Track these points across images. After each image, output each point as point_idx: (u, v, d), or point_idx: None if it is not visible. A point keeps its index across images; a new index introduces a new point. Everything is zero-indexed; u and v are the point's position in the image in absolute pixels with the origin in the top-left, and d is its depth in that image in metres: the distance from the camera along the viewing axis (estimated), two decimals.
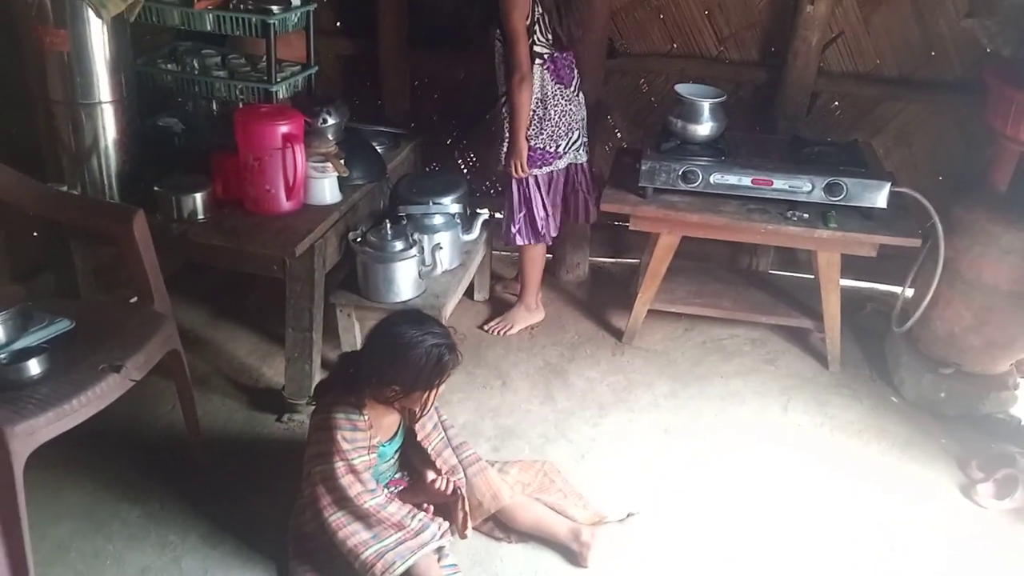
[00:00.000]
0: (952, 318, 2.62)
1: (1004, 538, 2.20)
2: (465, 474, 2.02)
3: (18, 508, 1.69)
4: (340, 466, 1.83)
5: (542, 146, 2.71)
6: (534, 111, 2.66)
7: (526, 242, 2.86)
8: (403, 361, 1.79)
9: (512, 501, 2.05)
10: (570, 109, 2.73)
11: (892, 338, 2.87)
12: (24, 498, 1.69)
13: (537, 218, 2.82)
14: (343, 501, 1.84)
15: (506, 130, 2.68)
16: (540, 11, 2.56)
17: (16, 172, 2.10)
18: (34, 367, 1.74)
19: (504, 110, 2.68)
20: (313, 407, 2.01)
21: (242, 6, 2.50)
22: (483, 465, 2.06)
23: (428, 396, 1.86)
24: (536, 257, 2.93)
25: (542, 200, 2.81)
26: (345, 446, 1.83)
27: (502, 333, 2.96)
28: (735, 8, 3.08)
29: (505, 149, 2.71)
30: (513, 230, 2.83)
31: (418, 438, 2.01)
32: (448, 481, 1.97)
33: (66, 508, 2.11)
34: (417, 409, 1.91)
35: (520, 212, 2.81)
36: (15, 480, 1.65)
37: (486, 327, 2.99)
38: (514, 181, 2.78)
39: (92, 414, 1.78)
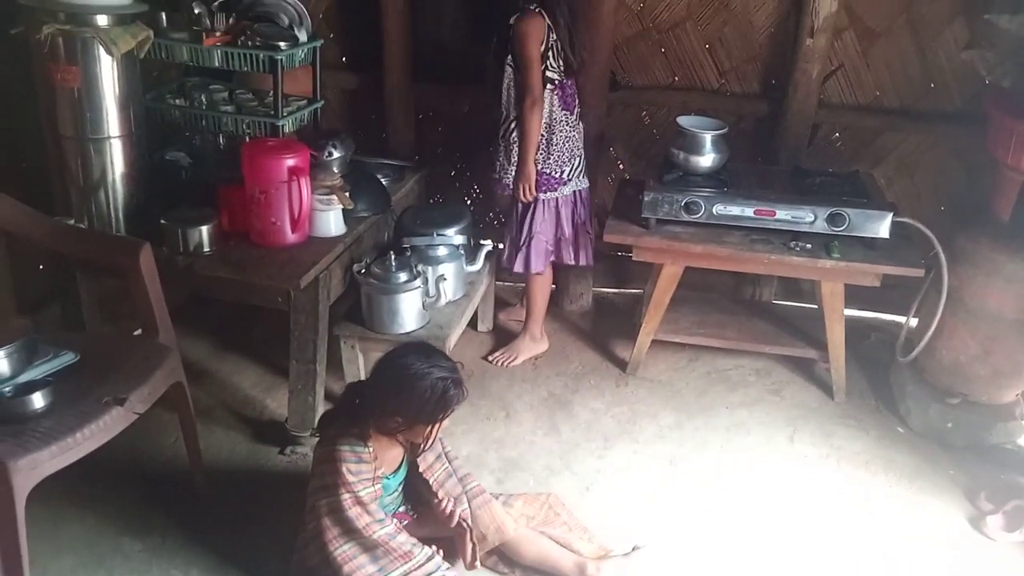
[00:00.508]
0: (957, 347, 2.61)
1: (1014, 571, 2.16)
2: (469, 506, 2.01)
3: (19, 542, 1.68)
4: (347, 498, 1.82)
5: (548, 171, 2.74)
6: (541, 136, 2.70)
7: (526, 270, 2.86)
8: (408, 393, 1.78)
9: (516, 534, 2.03)
10: (573, 135, 2.77)
11: (897, 368, 2.86)
12: (25, 532, 1.68)
13: (543, 245, 2.84)
14: (351, 533, 1.83)
15: (514, 154, 2.72)
16: (554, 37, 2.61)
17: (24, 205, 2.12)
18: (38, 400, 1.74)
19: (513, 136, 2.72)
20: (317, 439, 2.00)
21: (250, 43, 2.54)
22: (487, 497, 2.05)
23: (431, 429, 1.85)
24: (542, 286, 2.94)
25: (549, 226, 2.83)
26: (350, 478, 1.82)
27: (506, 364, 2.96)
28: (735, 42, 3.12)
29: (511, 173, 2.75)
30: (520, 257, 2.84)
31: (420, 469, 1.99)
32: (451, 504, 1.95)
33: (67, 542, 2.10)
34: (420, 442, 1.90)
35: (524, 239, 2.83)
36: (17, 514, 1.65)
37: (490, 358, 2.99)
38: (519, 207, 2.80)
39: (95, 447, 1.78)
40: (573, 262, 2.93)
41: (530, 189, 2.73)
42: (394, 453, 1.95)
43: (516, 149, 2.71)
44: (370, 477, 1.86)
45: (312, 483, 1.90)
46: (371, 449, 1.86)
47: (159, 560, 2.07)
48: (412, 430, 1.86)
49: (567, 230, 2.86)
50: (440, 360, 1.85)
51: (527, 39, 2.55)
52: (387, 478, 1.94)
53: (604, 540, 2.15)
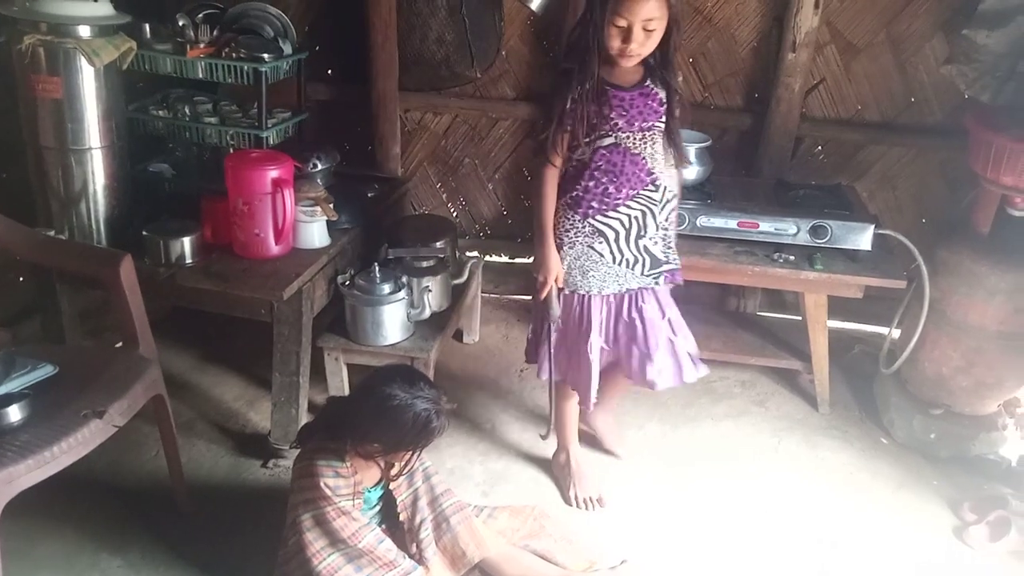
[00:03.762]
0: (940, 359, 2.63)
1: None
2: (448, 523, 1.98)
3: None
4: (329, 511, 1.80)
5: None
6: None
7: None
8: (389, 423, 1.76)
9: (498, 552, 2.01)
10: None
11: (881, 379, 2.87)
12: (1, 547, 1.66)
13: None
14: (337, 544, 1.81)
15: (671, 232, 2.22)
16: None
17: (4, 216, 2.10)
18: (14, 413, 1.72)
19: (673, 216, 2.21)
20: (297, 451, 1.98)
21: (234, 55, 2.54)
22: (467, 514, 2.02)
23: (411, 456, 1.84)
24: None
25: None
26: (328, 492, 1.80)
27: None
28: (719, 56, 3.15)
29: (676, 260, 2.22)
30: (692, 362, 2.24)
31: (390, 486, 1.97)
32: (413, 544, 1.95)
33: (44, 558, 2.06)
34: (397, 465, 1.89)
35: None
36: None
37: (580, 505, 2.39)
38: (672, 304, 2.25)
39: (73, 461, 1.75)
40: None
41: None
42: (373, 469, 1.93)
43: (671, 230, 2.22)
44: (349, 492, 1.84)
45: (292, 498, 1.88)
46: (349, 464, 1.85)
47: None
48: (391, 455, 1.84)
49: None
50: (423, 389, 1.80)
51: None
52: (368, 491, 1.92)
53: (591, 553, 2.14)
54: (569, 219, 2.10)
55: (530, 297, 3.27)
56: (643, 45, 1.93)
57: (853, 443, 2.70)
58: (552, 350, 2.21)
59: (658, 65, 2.03)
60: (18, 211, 2.18)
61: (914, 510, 2.41)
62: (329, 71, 3.36)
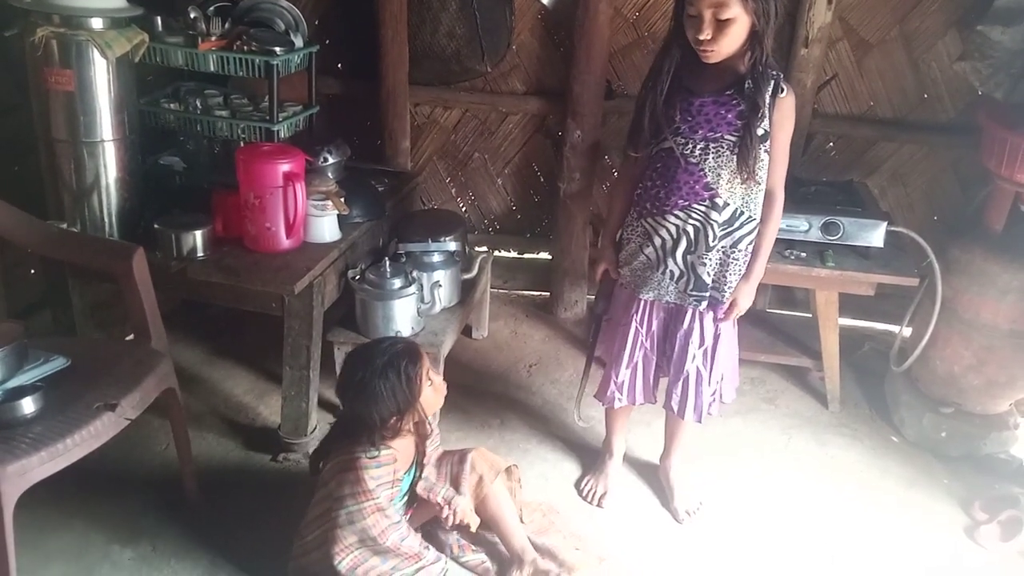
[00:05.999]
0: (951, 357, 2.62)
1: None
2: (462, 464, 2.02)
3: (7, 551, 1.66)
4: (368, 506, 1.82)
5: None
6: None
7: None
8: (383, 396, 1.80)
9: (490, 489, 2.02)
10: None
11: (891, 377, 2.86)
12: (13, 540, 1.66)
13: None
14: (365, 541, 1.84)
15: (739, 266, 2.02)
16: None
17: (16, 209, 2.10)
18: (27, 406, 1.72)
19: (748, 243, 2.00)
20: (312, 449, 1.99)
21: (245, 48, 2.54)
22: (473, 447, 2.08)
23: (425, 399, 1.87)
24: None
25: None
26: (371, 484, 1.82)
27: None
28: None
29: (730, 290, 2.05)
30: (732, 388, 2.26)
31: (427, 451, 2.00)
32: (451, 508, 1.97)
33: (55, 550, 2.07)
34: (426, 419, 1.92)
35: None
36: (5, 522, 1.62)
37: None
38: (729, 332, 2.18)
39: (86, 453, 1.76)
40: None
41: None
42: (407, 449, 1.96)
43: (740, 260, 2.01)
44: (390, 480, 1.86)
45: (328, 490, 1.88)
46: (390, 451, 1.87)
47: (149, 569, 2.04)
48: (413, 413, 1.87)
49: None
50: (374, 347, 1.87)
51: (792, 125, 1.97)
52: (404, 475, 1.95)
53: (600, 550, 2.14)
54: (632, 215, 2.07)
55: (539, 292, 3.28)
56: (717, 40, 1.76)
57: (863, 441, 2.70)
58: (596, 338, 2.29)
59: (748, 72, 1.84)
60: (30, 204, 2.18)
61: (924, 509, 2.40)
62: (339, 65, 3.36)
